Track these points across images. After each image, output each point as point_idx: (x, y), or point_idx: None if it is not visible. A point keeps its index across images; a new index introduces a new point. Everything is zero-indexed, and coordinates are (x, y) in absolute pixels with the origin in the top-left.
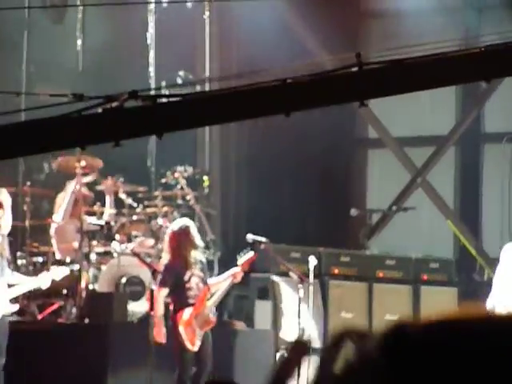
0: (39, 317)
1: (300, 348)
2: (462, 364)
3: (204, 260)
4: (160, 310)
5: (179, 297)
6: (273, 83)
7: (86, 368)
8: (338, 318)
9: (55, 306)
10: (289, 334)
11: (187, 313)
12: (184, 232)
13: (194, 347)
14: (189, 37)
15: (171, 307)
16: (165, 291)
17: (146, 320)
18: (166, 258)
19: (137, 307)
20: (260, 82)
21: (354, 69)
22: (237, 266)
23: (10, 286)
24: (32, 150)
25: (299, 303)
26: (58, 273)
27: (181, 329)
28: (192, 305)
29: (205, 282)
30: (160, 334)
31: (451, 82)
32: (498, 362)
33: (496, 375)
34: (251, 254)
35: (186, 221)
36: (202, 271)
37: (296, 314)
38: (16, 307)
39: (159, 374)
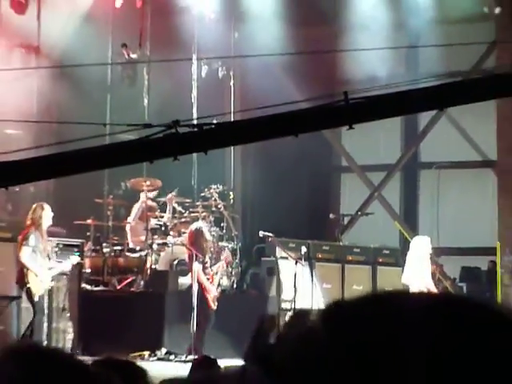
0: (118, 287)
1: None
2: (381, 328)
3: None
4: (205, 279)
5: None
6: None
7: (151, 321)
8: (321, 288)
9: (129, 280)
10: (287, 297)
11: (209, 285)
12: (198, 231)
13: (215, 306)
14: (219, 97)
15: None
16: (198, 266)
17: (190, 289)
18: (190, 248)
19: (184, 280)
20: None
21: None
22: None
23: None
24: (118, 163)
25: (295, 278)
26: (73, 260)
27: (207, 295)
28: (208, 279)
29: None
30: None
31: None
32: (416, 326)
33: (412, 338)
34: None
35: (199, 223)
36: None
37: (293, 285)
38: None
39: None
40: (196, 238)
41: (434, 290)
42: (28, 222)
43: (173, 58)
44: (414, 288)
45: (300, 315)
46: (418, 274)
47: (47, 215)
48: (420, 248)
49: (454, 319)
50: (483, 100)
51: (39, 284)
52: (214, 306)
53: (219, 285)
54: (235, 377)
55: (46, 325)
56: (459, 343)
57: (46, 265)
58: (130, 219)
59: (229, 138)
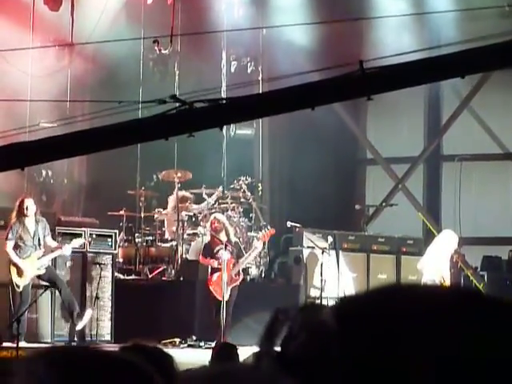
0: (149, 276)
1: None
2: (389, 326)
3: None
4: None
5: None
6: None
7: (182, 309)
8: (347, 277)
9: (160, 269)
10: (314, 286)
11: (215, 276)
12: (218, 221)
13: (225, 298)
14: (248, 92)
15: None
16: (203, 258)
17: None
18: (208, 237)
19: None
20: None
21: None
22: (258, 240)
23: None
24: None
25: (321, 267)
26: (74, 243)
27: (211, 287)
28: (218, 269)
29: (233, 254)
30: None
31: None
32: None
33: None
34: (270, 230)
35: (220, 215)
36: (232, 246)
37: (319, 274)
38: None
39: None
40: (211, 229)
41: (448, 282)
42: (11, 217)
43: (203, 54)
44: (428, 276)
45: (312, 308)
46: (434, 265)
47: (28, 206)
48: (445, 241)
49: (465, 320)
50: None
51: (22, 275)
52: (219, 296)
53: (248, 274)
54: (250, 369)
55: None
56: (468, 343)
57: (34, 254)
58: (167, 210)
59: (241, 111)
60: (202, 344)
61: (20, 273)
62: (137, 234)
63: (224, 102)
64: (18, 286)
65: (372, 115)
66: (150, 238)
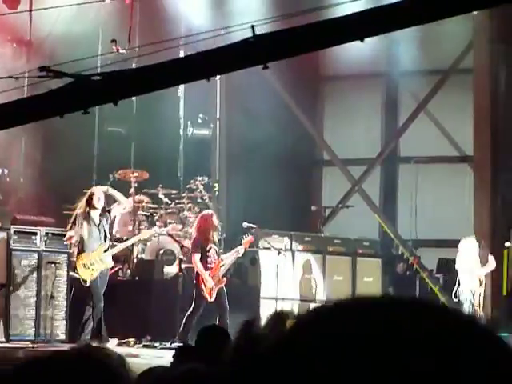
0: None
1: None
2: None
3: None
4: (201, 269)
5: (203, 262)
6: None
7: (137, 309)
8: (302, 279)
9: (116, 268)
10: (269, 287)
11: (207, 273)
12: (209, 217)
13: (211, 298)
14: (206, 91)
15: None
16: (198, 256)
17: (176, 278)
18: (193, 234)
19: (170, 270)
20: None
21: None
22: (240, 245)
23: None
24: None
25: (277, 268)
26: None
27: (202, 285)
28: (210, 269)
29: (218, 254)
30: (210, 293)
31: None
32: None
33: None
34: (251, 237)
35: (210, 211)
36: (217, 246)
37: (275, 275)
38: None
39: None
40: (203, 225)
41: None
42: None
43: (161, 53)
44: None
45: (278, 317)
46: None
47: (100, 198)
48: (464, 250)
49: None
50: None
51: (87, 270)
52: (209, 297)
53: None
54: (218, 375)
55: (34, 312)
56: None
57: (100, 248)
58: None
59: (131, 84)
60: (156, 344)
61: (86, 267)
62: None
63: (109, 74)
64: (85, 281)
65: (329, 116)
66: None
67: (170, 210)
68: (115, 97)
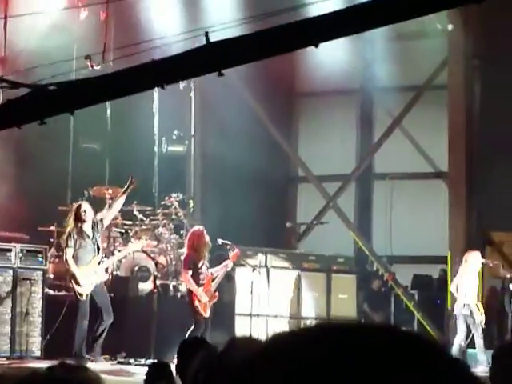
0: None
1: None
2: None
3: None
4: (194, 286)
5: (195, 278)
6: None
7: (111, 326)
8: (277, 295)
9: None
10: (244, 304)
11: (200, 289)
12: (201, 234)
13: (206, 314)
14: (180, 108)
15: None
16: (190, 272)
17: (150, 295)
18: (186, 251)
19: (144, 286)
20: None
21: None
22: (228, 259)
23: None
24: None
25: (252, 284)
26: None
27: (196, 302)
28: (202, 285)
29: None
30: (205, 308)
31: None
32: None
33: None
34: (237, 251)
35: (201, 227)
36: (208, 262)
37: (250, 291)
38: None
39: (161, 330)
40: (196, 241)
41: (476, 303)
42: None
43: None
44: (460, 297)
45: (239, 343)
46: (468, 289)
47: (86, 210)
48: (474, 263)
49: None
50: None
51: (82, 285)
52: (204, 313)
53: (179, 291)
54: None
55: (9, 329)
56: None
57: (94, 260)
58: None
59: (89, 93)
60: (131, 361)
61: (80, 281)
62: None
63: (64, 84)
64: (81, 295)
65: (304, 133)
66: None
67: (144, 227)
68: (71, 106)
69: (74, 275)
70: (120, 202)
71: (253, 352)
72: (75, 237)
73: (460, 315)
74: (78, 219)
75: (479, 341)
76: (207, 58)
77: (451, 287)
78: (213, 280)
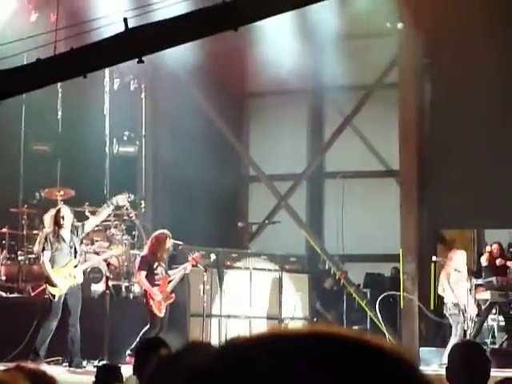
0: (32, 294)
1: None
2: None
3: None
4: (148, 285)
5: (150, 279)
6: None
7: (63, 327)
8: (229, 294)
9: (43, 287)
10: (198, 304)
11: (155, 290)
12: (163, 239)
13: (161, 313)
14: (131, 109)
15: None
16: (143, 273)
17: (102, 296)
18: (144, 252)
19: (97, 288)
20: None
21: None
22: (188, 261)
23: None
24: None
25: (204, 284)
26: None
27: (151, 301)
28: (158, 285)
29: (167, 272)
30: (159, 307)
31: None
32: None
33: None
34: (198, 254)
35: (165, 231)
36: (165, 264)
37: (202, 291)
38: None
39: (113, 331)
40: (158, 245)
41: (468, 303)
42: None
43: None
44: (448, 298)
45: (192, 348)
46: (457, 289)
47: (64, 216)
48: (459, 262)
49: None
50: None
51: (55, 286)
52: (159, 312)
53: (131, 292)
54: None
55: None
56: None
57: (70, 263)
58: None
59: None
60: (84, 363)
61: (53, 283)
62: (19, 252)
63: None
64: (54, 296)
65: (255, 132)
66: (33, 255)
67: (96, 228)
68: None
69: (48, 277)
70: (106, 212)
71: (208, 356)
72: (51, 240)
73: (451, 315)
74: (56, 224)
75: (453, 340)
76: (127, 44)
77: (438, 289)
78: (169, 282)
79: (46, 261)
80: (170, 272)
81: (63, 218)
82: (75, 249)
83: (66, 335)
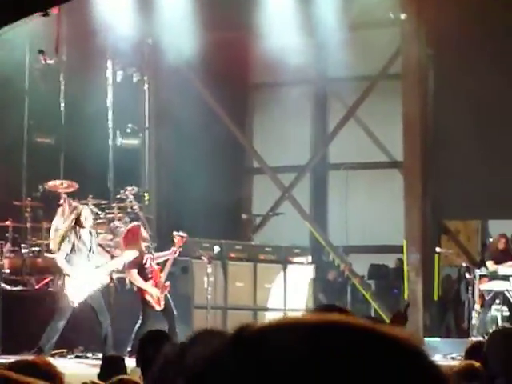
0: (36, 287)
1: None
2: (286, 360)
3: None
4: (142, 283)
5: (142, 274)
6: None
7: (69, 319)
8: (233, 287)
9: (47, 279)
10: (202, 296)
11: (149, 284)
12: (136, 230)
13: (160, 306)
14: (134, 101)
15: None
16: (135, 271)
17: (107, 288)
18: (123, 249)
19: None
20: None
21: None
22: (174, 246)
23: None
24: None
25: (208, 277)
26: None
27: (147, 296)
28: (151, 278)
29: (154, 260)
30: (158, 302)
31: None
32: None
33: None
34: (181, 235)
35: (136, 223)
36: (151, 255)
37: (206, 283)
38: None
39: (118, 323)
40: (131, 238)
41: None
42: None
43: (89, 63)
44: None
45: (207, 334)
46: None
47: (87, 217)
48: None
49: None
50: None
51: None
52: (159, 306)
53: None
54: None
55: None
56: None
57: (88, 264)
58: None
59: None
60: (89, 355)
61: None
62: (23, 245)
63: None
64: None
65: (258, 124)
66: (37, 248)
67: (100, 221)
68: None
69: (67, 275)
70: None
71: (216, 346)
72: (72, 240)
73: None
74: (78, 224)
75: None
76: None
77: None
78: (161, 271)
79: (63, 261)
80: (155, 254)
81: (86, 218)
82: (94, 250)
83: (65, 327)
